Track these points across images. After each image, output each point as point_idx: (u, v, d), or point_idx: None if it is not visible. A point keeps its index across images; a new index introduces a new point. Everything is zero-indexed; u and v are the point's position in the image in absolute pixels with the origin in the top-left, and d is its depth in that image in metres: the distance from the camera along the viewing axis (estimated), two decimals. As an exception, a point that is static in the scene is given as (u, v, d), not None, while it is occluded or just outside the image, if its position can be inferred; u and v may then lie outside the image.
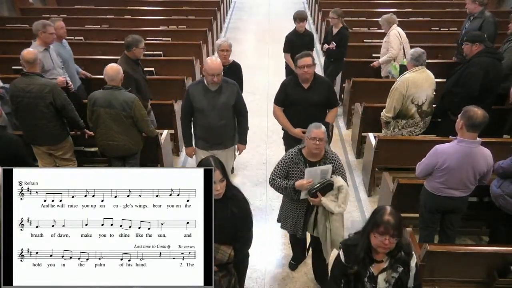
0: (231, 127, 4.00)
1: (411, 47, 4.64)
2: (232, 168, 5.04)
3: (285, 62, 6.15)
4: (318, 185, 3.07)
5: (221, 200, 2.51)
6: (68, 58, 5.14)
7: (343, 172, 3.24)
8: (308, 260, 3.82)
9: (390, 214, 2.26)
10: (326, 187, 3.08)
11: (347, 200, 3.13)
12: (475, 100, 3.97)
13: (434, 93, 4.55)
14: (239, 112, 3.99)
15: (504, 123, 4.77)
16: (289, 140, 4.18)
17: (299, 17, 5.81)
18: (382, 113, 4.62)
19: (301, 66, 3.82)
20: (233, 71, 4.55)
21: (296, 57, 3.90)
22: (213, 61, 3.65)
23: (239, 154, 4.36)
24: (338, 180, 3.11)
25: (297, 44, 5.71)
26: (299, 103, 3.94)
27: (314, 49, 6.63)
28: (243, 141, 4.16)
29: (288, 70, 6.04)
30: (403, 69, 5.75)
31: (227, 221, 2.54)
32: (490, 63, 4.37)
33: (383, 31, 7.86)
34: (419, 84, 4.36)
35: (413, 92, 4.37)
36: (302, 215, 3.30)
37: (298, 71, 3.89)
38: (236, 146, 4.22)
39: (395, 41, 5.69)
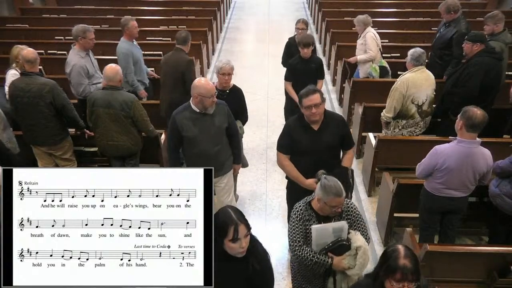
0: (227, 150, 3.68)
1: (411, 47, 4.65)
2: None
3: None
4: (330, 244, 2.61)
5: (242, 256, 2.13)
6: (139, 58, 5.18)
7: (362, 227, 2.71)
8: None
9: (406, 257, 1.95)
10: (340, 248, 2.61)
11: (366, 263, 2.61)
12: (475, 100, 3.97)
13: (434, 93, 4.55)
14: (231, 134, 3.65)
15: (504, 123, 4.77)
16: (293, 194, 3.40)
17: (303, 43, 4.78)
18: (382, 114, 4.62)
19: (308, 106, 3.09)
20: (235, 97, 4.11)
21: (301, 94, 3.17)
22: (207, 81, 3.38)
23: (236, 174, 3.96)
24: (356, 239, 2.59)
25: (299, 72, 4.88)
26: (309, 149, 3.22)
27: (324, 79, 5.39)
28: (237, 160, 3.85)
29: (289, 97, 5.20)
30: (382, 70, 5.82)
31: (246, 279, 2.16)
32: (491, 63, 4.37)
33: (383, 31, 7.90)
34: (419, 84, 4.36)
35: (413, 92, 4.37)
36: (320, 275, 2.76)
37: (305, 112, 3.17)
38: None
39: (372, 43, 5.69)
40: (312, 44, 4.81)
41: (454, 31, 5.36)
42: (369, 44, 5.69)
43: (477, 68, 4.33)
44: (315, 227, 2.59)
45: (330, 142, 3.24)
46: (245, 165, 4.53)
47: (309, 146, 3.22)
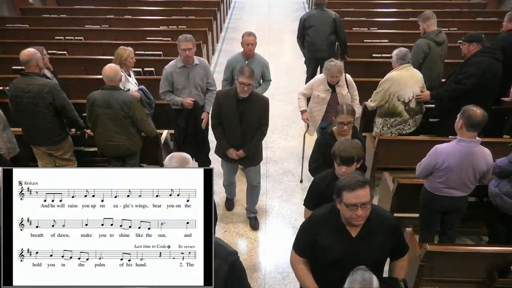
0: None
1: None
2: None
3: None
4: None
5: None
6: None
7: None
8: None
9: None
10: None
11: None
12: (472, 100, 3.96)
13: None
14: None
15: (504, 123, 4.77)
16: None
17: (342, 157, 2.78)
18: (368, 102, 4.73)
19: (352, 204, 2.17)
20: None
21: (343, 184, 2.22)
22: None
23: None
24: None
25: (325, 198, 2.78)
26: (341, 261, 2.29)
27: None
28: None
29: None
30: None
31: None
32: (489, 63, 4.37)
33: (384, 31, 7.92)
34: (403, 81, 4.40)
35: (396, 90, 4.41)
36: None
37: (345, 212, 2.25)
38: None
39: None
40: (358, 160, 2.82)
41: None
42: (355, 86, 4.76)
43: (475, 68, 4.34)
44: None
45: (372, 256, 2.30)
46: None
47: (341, 257, 2.30)
